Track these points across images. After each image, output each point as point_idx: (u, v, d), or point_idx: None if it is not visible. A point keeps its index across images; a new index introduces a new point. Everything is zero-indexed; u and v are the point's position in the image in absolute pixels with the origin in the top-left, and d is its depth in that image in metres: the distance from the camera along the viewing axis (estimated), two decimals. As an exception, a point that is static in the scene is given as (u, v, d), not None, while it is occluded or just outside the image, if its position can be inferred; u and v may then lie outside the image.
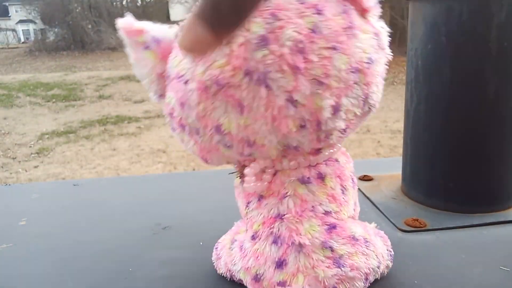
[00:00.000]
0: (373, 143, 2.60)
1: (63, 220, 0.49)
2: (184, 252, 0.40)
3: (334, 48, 0.24)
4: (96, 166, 2.83)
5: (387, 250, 0.34)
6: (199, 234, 0.43)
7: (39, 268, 0.38)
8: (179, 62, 0.27)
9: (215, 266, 0.35)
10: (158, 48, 0.28)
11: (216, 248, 0.36)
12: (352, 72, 0.25)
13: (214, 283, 0.35)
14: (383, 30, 0.28)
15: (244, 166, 0.30)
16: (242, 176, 0.31)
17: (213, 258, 0.36)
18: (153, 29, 0.28)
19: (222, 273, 0.35)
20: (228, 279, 0.34)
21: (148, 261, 0.38)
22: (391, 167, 0.60)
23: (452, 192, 0.46)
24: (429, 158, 0.47)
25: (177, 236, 0.44)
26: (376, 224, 0.35)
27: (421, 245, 0.40)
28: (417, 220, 0.44)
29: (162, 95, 0.29)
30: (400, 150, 0.55)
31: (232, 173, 0.33)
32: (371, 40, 0.27)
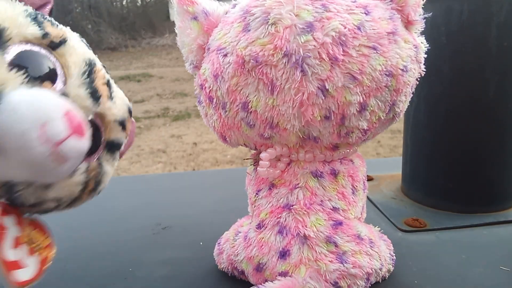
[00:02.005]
0: (373, 143, 2.60)
1: (62, 220, 0.49)
2: (184, 252, 0.40)
3: (374, 48, 0.25)
4: (96, 166, 2.82)
5: (390, 254, 0.34)
6: (199, 234, 0.43)
7: (39, 268, 0.38)
8: (223, 35, 0.27)
9: (217, 261, 0.36)
10: (206, 21, 0.29)
11: (219, 243, 0.36)
12: (386, 75, 0.26)
13: (214, 283, 0.35)
14: (422, 45, 0.29)
15: (259, 153, 0.30)
16: (256, 163, 0.31)
17: (214, 253, 0.36)
18: (204, 2, 0.29)
19: (223, 268, 0.35)
20: (230, 274, 0.34)
21: (148, 261, 0.38)
22: (391, 167, 0.60)
23: (452, 192, 0.46)
24: (429, 158, 0.47)
25: (177, 236, 0.44)
26: (378, 228, 0.35)
27: (421, 245, 0.40)
28: (417, 220, 0.44)
29: (197, 67, 0.30)
30: (400, 150, 0.55)
31: (247, 159, 0.33)
32: (410, 51, 0.27)
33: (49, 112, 0.23)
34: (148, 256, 0.39)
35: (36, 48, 0.25)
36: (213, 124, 0.30)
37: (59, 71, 0.26)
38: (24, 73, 0.23)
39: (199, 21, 0.29)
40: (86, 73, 0.27)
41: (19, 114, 0.22)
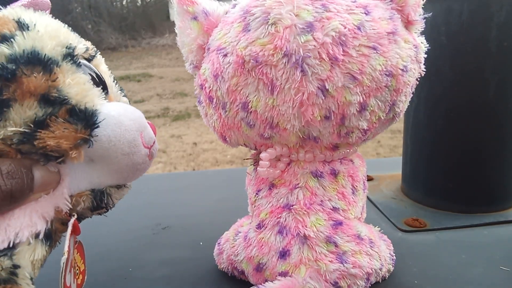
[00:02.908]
0: (373, 143, 2.60)
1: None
2: (184, 252, 0.40)
3: (374, 48, 0.25)
4: (96, 166, 2.82)
5: (390, 254, 0.34)
6: (199, 234, 0.43)
7: (39, 268, 0.38)
8: (223, 35, 0.27)
9: (216, 261, 0.36)
10: (206, 21, 0.29)
11: (219, 243, 0.36)
12: (386, 75, 0.26)
13: (214, 283, 0.35)
14: (422, 45, 0.29)
15: (259, 153, 0.30)
16: (256, 163, 0.31)
17: (214, 253, 0.36)
18: (204, 2, 0.29)
19: (223, 268, 0.35)
20: (230, 274, 0.34)
21: (148, 261, 0.38)
22: (391, 167, 0.60)
23: (452, 192, 0.46)
24: (429, 158, 0.47)
25: (177, 236, 0.44)
26: (378, 228, 0.35)
27: (421, 245, 0.40)
28: (417, 220, 0.44)
29: (197, 67, 0.30)
30: (400, 150, 0.55)
31: (247, 159, 0.33)
32: (410, 51, 0.27)
33: (142, 122, 0.26)
34: (148, 256, 0.39)
35: (87, 62, 0.26)
36: (213, 124, 0.30)
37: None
38: (100, 88, 0.25)
39: (199, 21, 0.29)
40: (115, 81, 0.29)
41: (125, 126, 0.24)
